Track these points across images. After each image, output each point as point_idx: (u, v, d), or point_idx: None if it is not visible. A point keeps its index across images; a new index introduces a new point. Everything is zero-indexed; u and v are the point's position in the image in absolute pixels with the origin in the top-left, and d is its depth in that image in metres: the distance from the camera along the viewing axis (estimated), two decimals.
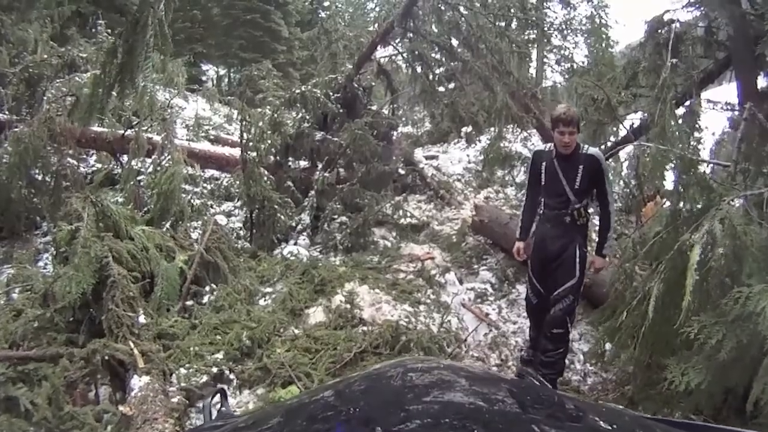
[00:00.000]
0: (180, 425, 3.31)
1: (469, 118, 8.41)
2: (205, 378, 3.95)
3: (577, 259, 3.96)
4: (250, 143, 6.57)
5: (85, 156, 7.74)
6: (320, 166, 7.35)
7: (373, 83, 8.66)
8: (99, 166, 7.59)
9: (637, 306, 3.38)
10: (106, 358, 3.69)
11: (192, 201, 6.91)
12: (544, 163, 3.99)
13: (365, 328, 4.76)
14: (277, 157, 7.26)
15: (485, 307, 5.75)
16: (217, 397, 1.72)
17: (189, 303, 4.80)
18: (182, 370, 3.95)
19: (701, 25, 6.13)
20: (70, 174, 6.67)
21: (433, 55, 8.07)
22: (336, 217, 6.79)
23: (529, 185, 4.23)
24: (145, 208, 6.24)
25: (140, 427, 3.18)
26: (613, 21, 12.89)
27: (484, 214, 6.54)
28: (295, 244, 6.64)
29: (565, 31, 9.50)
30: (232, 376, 4.11)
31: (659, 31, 5.96)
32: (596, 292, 5.08)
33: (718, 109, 6.60)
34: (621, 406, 3.32)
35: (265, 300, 5.33)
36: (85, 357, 3.66)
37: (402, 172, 8.32)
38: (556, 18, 10.23)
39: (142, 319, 4.21)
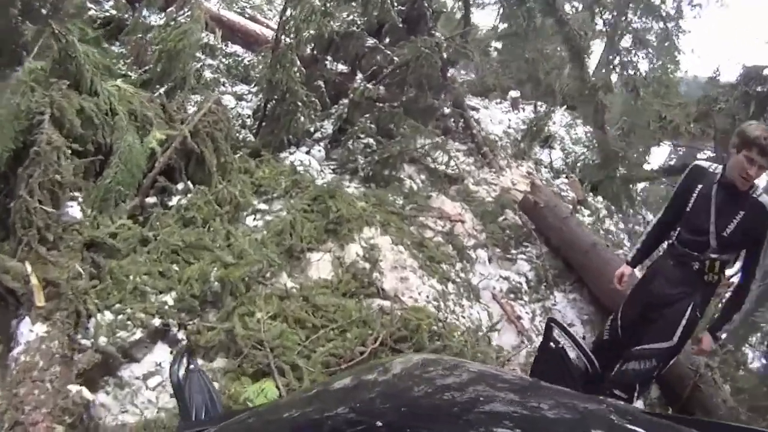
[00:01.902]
0: None
1: (546, 84, 6.68)
2: (138, 334, 2.29)
3: (684, 321, 2.79)
4: (291, 23, 4.67)
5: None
6: (361, 76, 5.66)
7: (445, 9, 6.78)
8: (114, 13, 5.63)
9: None
10: None
11: (202, 71, 5.08)
12: (700, 186, 2.77)
13: (385, 304, 3.15)
14: (315, 51, 5.48)
15: (517, 307, 4.20)
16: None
17: (150, 201, 3.10)
18: (107, 315, 2.29)
19: None
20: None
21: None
22: (363, 136, 5.17)
23: (671, 204, 2.98)
24: (145, 68, 4.59)
25: None
26: (688, 48, 11.09)
27: (541, 195, 4.86)
28: (308, 152, 5.01)
29: (640, 40, 7.93)
30: (181, 335, 2.46)
31: (752, 81, 5.27)
32: None
33: None
34: None
35: (255, 220, 3.71)
36: None
37: (447, 111, 6.50)
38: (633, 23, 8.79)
39: (75, 212, 2.51)
